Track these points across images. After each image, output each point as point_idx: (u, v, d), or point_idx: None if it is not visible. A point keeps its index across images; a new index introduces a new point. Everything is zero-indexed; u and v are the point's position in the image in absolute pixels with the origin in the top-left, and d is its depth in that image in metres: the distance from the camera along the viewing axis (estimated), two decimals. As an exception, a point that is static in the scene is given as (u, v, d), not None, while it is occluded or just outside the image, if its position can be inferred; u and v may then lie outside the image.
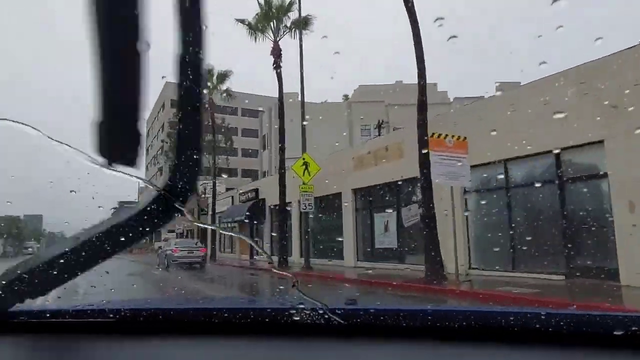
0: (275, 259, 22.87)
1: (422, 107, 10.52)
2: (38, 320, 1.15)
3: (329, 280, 12.75)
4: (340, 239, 17.01)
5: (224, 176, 47.17)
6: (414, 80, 10.86)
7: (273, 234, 23.60)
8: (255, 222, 25.32)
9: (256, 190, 25.80)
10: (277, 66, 19.24)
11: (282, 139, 18.30)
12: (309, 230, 16.54)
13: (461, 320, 1.05)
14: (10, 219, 73.00)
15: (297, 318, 1.07)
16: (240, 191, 28.36)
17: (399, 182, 14.61)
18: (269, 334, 1.09)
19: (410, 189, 14.28)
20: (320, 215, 18.25)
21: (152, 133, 72.05)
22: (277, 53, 19.18)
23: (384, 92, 47.59)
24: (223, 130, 57.21)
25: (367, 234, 16.37)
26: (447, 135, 10.07)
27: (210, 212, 32.56)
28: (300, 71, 16.83)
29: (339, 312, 1.06)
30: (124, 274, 17.20)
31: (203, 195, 37.78)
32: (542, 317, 1.01)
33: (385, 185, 15.37)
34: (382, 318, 1.07)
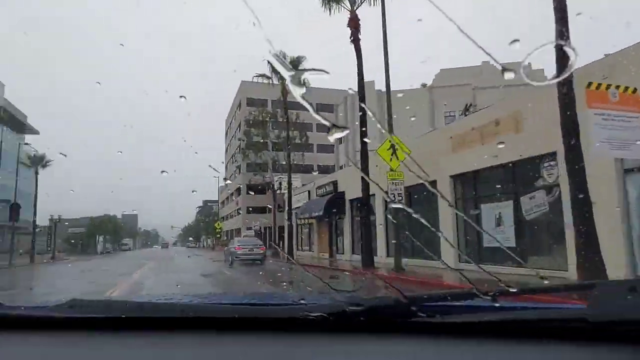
0: (357, 257, 20.85)
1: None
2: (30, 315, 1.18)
3: (433, 287, 10.08)
4: (436, 236, 14.24)
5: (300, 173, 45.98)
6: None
7: (352, 230, 21.33)
8: (334, 217, 23.23)
9: (334, 183, 23.65)
10: (355, 39, 16.87)
11: (363, 117, 15.86)
12: (399, 225, 13.96)
13: (460, 313, 1.07)
14: (108, 218, 78.67)
15: (301, 314, 1.06)
16: (318, 184, 26.38)
17: (516, 164, 11.54)
18: (271, 330, 1.07)
19: (533, 172, 11.14)
20: (410, 207, 15.59)
21: (230, 132, 73.40)
22: (355, 24, 16.81)
23: (469, 74, 43.36)
24: (297, 125, 55.96)
25: (471, 229, 13.41)
26: (610, 85, 7.00)
27: (286, 208, 31.19)
28: (384, 38, 14.29)
29: (342, 307, 1.05)
30: (197, 273, 16.31)
31: (279, 191, 36.59)
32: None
33: (495, 168, 12.35)
34: (384, 312, 1.06)
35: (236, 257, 21.46)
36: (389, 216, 18.19)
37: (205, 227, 72.12)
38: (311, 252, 28.18)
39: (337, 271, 17.06)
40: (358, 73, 16.89)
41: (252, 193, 60.51)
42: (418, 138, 15.37)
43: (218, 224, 55.92)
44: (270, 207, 56.73)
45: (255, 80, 28.05)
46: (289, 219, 29.38)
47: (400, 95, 33.67)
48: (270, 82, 27.22)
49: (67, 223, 72.04)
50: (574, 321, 0.97)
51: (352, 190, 21.29)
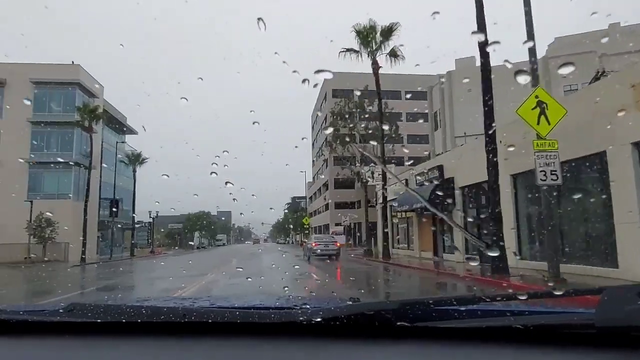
0: (470, 257, 17.06)
1: None
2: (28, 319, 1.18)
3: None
4: (609, 232, 10.09)
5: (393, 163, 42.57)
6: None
7: (465, 224, 17.39)
8: (440, 209, 19.45)
9: (440, 168, 19.84)
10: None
11: (487, 85, 12.05)
12: (548, 216, 10.00)
13: (464, 318, 1.05)
14: (204, 215, 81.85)
15: (301, 318, 1.06)
16: (418, 171, 22.65)
17: None
18: (271, 334, 1.07)
19: None
20: (564, 191, 11.46)
21: (316, 126, 71.81)
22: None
23: (591, 41, 36.32)
24: (387, 114, 52.60)
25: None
26: None
27: (380, 201, 27.97)
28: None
29: (344, 311, 1.06)
30: (282, 271, 14.09)
31: (371, 180, 33.42)
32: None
33: None
34: (385, 316, 1.05)
35: (312, 253, 23.21)
36: (531, 204, 14.15)
37: (293, 224, 71.51)
38: (410, 250, 24.61)
39: (454, 278, 13.45)
40: (478, 23, 13.06)
41: (340, 188, 58.32)
42: (571, 93, 11.18)
43: (306, 220, 54.37)
44: (361, 201, 53.75)
45: (342, 55, 25.02)
46: (384, 212, 26.10)
47: (509, 66, 28.61)
48: (359, 57, 24.03)
49: (167, 219, 76.39)
50: (581, 327, 0.97)
51: (464, 175, 17.41)
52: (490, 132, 11.85)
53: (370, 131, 51.36)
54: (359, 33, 23.41)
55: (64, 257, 29.93)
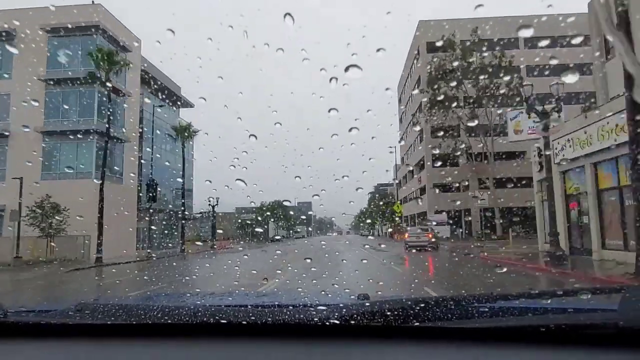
0: None
1: None
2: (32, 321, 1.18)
3: None
4: None
5: None
6: None
7: None
8: None
9: None
10: None
11: None
12: None
13: (483, 317, 1.03)
14: (279, 204, 74.18)
15: (311, 316, 1.05)
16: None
17: None
18: (284, 335, 1.05)
19: None
20: None
21: (405, 95, 59.85)
22: None
23: None
24: (504, 68, 40.54)
25: None
26: None
27: (539, 169, 16.44)
28: None
29: (352, 308, 1.05)
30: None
31: (519, 134, 21.64)
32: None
33: None
34: (395, 315, 1.03)
35: (407, 244, 23.88)
36: None
37: (379, 213, 60.33)
38: (627, 251, 12.69)
39: None
40: None
41: (440, 165, 46.04)
42: None
43: (397, 206, 43.25)
44: (466, 181, 41.39)
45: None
46: (550, 190, 14.62)
47: None
48: None
49: (242, 211, 69.73)
50: (603, 327, 0.94)
51: None
52: None
53: (478, 88, 38.97)
54: None
55: (82, 254, 22.41)
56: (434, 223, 39.29)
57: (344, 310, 1.04)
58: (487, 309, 1.07)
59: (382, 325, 1.01)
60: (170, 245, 33.46)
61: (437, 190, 43.77)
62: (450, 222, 41.15)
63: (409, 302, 1.05)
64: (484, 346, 0.95)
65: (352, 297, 1.36)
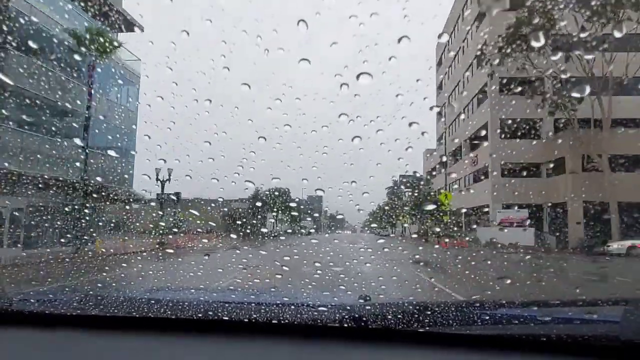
0: None
1: None
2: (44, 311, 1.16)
3: None
4: None
5: None
6: None
7: None
8: None
9: None
10: None
11: None
12: None
13: (485, 324, 1.00)
14: (280, 192, 60.91)
15: (311, 316, 1.02)
16: None
17: None
18: (288, 335, 1.03)
19: None
20: None
21: (446, 54, 45.42)
22: None
23: None
24: None
25: None
26: None
27: None
28: None
29: (353, 309, 1.03)
30: None
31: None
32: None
33: None
34: (396, 318, 1.01)
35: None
36: None
37: (411, 206, 46.02)
38: None
39: None
40: None
41: (510, 138, 31.51)
42: None
43: (445, 196, 29.27)
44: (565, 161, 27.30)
45: None
46: None
47: None
48: None
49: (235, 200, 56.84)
50: (605, 339, 0.92)
51: None
52: None
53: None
54: None
55: None
56: (510, 224, 25.45)
57: (345, 311, 1.03)
58: (488, 317, 1.06)
59: (382, 328, 1.00)
60: (74, 238, 19.88)
61: (508, 173, 29.73)
62: (529, 221, 27.07)
63: (410, 306, 1.03)
64: (484, 354, 0.93)
65: (353, 297, 1.37)
